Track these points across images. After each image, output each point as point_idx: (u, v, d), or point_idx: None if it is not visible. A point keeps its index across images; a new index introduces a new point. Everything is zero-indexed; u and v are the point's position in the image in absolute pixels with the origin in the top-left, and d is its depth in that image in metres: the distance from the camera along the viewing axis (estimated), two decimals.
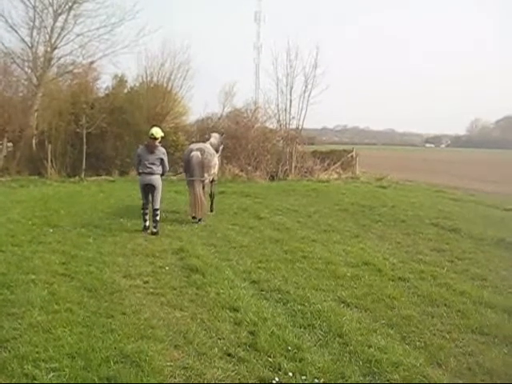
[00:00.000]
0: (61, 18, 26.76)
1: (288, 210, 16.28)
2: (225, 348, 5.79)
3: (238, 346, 5.85)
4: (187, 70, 29.31)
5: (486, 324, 6.67)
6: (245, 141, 26.96)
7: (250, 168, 26.59)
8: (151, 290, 7.74)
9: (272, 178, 26.66)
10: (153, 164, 12.42)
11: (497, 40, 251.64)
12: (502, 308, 7.28)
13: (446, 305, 7.41)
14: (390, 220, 14.62)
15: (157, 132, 12.56)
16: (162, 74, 29.36)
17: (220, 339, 6.03)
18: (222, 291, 7.63)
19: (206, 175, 14.18)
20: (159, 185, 12.56)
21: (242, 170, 26.58)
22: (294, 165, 27.86)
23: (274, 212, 15.73)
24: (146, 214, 12.59)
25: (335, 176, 28.34)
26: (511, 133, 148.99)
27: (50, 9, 26.59)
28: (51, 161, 25.20)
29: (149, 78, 29.72)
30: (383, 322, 6.68)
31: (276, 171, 27.33)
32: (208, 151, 14.33)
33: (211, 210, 15.07)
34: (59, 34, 26.71)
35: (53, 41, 26.69)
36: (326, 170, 28.88)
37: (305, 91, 28.64)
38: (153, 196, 12.57)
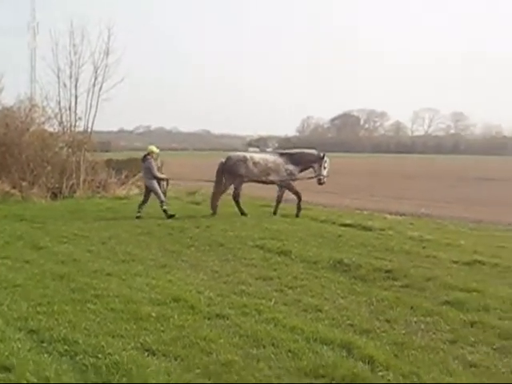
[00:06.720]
0: None
1: (76, 236, 16.06)
2: None
3: None
4: None
5: (322, 364, 6.91)
6: (17, 149, 26.10)
7: (25, 184, 25.65)
8: None
9: (55, 196, 26.07)
10: (144, 171, 21.00)
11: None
12: (339, 344, 7.59)
13: (273, 344, 7.58)
14: (205, 244, 14.86)
15: (148, 148, 21.27)
16: None
17: None
18: None
19: (229, 178, 20.80)
20: (150, 186, 20.43)
21: (14, 187, 25.55)
22: (82, 178, 27.43)
23: (58, 240, 15.43)
24: (141, 207, 20.34)
25: (136, 191, 28.21)
26: (349, 133, 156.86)
27: None
28: None
29: None
30: (198, 371, 6.73)
31: (60, 187, 26.77)
32: (235, 158, 20.91)
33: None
34: None
35: None
36: (124, 183, 28.79)
37: (94, 84, 28.35)
38: (150, 195, 20.64)
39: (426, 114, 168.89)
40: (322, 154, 21.35)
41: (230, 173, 20.73)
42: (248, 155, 21.49)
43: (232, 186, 21.08)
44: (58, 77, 28.24)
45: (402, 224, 19.69)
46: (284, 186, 21.13)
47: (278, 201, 21.41)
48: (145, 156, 20.98)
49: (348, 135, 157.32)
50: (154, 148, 21.24)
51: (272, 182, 21.24)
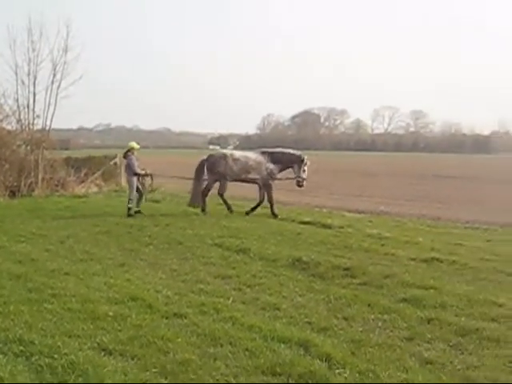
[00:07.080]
0: None
1: (34, 235, 15.92)
2: None
3: None
4: None
5: (279, 362, 6.92)
6: None
7: None
8: None
9: (13, 195, 25.88)
10: (125, 168, 21.86)
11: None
12: (296, 342, 7.61)
13: (231, 343, 7.58)
14: (164, 242, 14.83)
15: (128, 145, 21.35)
16: None
17: None
18: None
19: (210, 176, 20.81)
20: (130, 182, 20.78)
21: None
22: (41, 176, 27.21)
23: (16, 239, 15.28)
24: (139, 202, 20.76)
25: (95, 189, 28.15)
26: (309, 131, 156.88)
27: None
28: None
29: None
30: (155, 370, 6.71)
31: (18, 185, 26.59)
32: (216, 156, 21.13)
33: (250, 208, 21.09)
34: None
35: None
36: (84, 181, 28.62)
37: (53, 82, 28.10)
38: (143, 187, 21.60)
39: (385, 111, 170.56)
40: (302, 157, 21.17)
41: (210, 170, 20.76)
42: (228, 152, 21.62)
43: (217, 184, 21.00)
44: (16, 74, 27.95)
45: (361, 222, 19.83)
46: (264, 185, 20.97)
47: (269, 201, 20.86)
48: (126, 153, 21.18)
49: (308, 133, 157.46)
50: (134, 144, 21.27)
51: (253, 181, 21.13)
